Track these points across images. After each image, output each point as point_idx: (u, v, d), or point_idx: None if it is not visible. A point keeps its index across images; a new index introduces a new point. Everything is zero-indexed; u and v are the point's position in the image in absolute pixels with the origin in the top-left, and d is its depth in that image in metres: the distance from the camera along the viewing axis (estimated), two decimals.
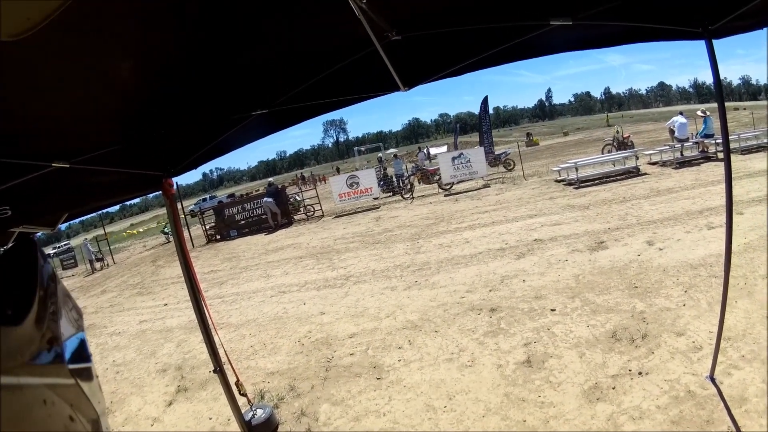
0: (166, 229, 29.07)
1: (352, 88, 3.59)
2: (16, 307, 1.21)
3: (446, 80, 3.68)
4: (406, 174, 23.74)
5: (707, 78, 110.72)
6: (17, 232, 3.77)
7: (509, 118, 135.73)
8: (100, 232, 31.61)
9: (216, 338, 4.55)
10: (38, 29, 1.20)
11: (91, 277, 21.30)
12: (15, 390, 0.98)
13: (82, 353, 1.59)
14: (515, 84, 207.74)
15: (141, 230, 46.27)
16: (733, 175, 3.63)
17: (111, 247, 27.46)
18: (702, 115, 16.99)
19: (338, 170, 34.62)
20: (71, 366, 1.39)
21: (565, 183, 16.55)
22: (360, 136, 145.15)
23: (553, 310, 6.30)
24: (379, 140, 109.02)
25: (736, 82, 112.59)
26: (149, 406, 6.07)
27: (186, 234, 20.63)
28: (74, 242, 37.96)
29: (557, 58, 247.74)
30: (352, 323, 7.36)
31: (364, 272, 10.31)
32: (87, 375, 1.52)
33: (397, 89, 3.46)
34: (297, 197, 23.92)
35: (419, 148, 34.64)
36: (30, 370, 1.11)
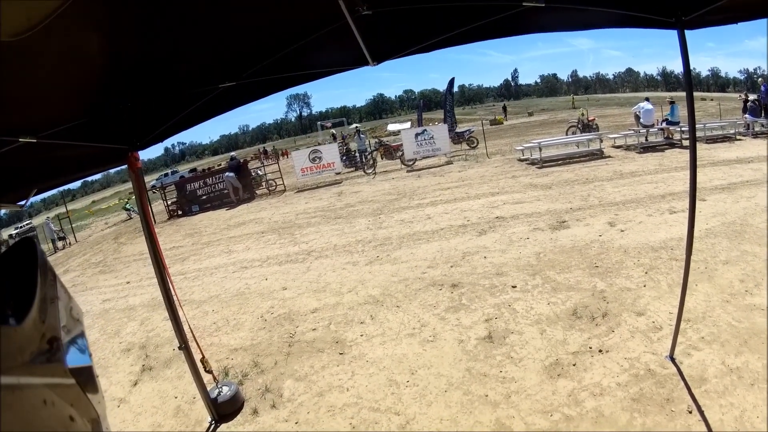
0: (128, 206, 28.26)
1: (321, 61, 3.57)
2: (16, 307, 1.22)
3: (413, 57, 3.70)
4: (368, 149, 23.53)
5: (676, 67, 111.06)
6: None
7: (474, 96, 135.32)
8: (62, 210, 30.40)
9: (180, 314, 4.45)
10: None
11: (54, 257, 20.56)
12: (15, 390, 0.98)
13: (82, 353, 1.61)
14: (482, 63, 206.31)
15: (103, 207, 44.61)
16: (697, 163, 3.68)
17: (73, 225, 26.46)
18: (670, 102, 17.29)
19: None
20: (71, 366, 1.39)
21: (528, 162, 16.65)
22: (324, 110, 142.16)
23: (514, 286, 6.35)
24: (343, 115, 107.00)
25: (705, 73, 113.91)
26: (115, 386, 5.87)
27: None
28: (36, 221, 36.54)
29: (526, 39, 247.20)
30: (314, 298, 7.29)
31: (326, 247, 10.22)
32: (87, 375, 1.53)
33: (366, 64, 3.45)
34: (259, 172, 23.45)
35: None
36: (30, 370, 1.11)
